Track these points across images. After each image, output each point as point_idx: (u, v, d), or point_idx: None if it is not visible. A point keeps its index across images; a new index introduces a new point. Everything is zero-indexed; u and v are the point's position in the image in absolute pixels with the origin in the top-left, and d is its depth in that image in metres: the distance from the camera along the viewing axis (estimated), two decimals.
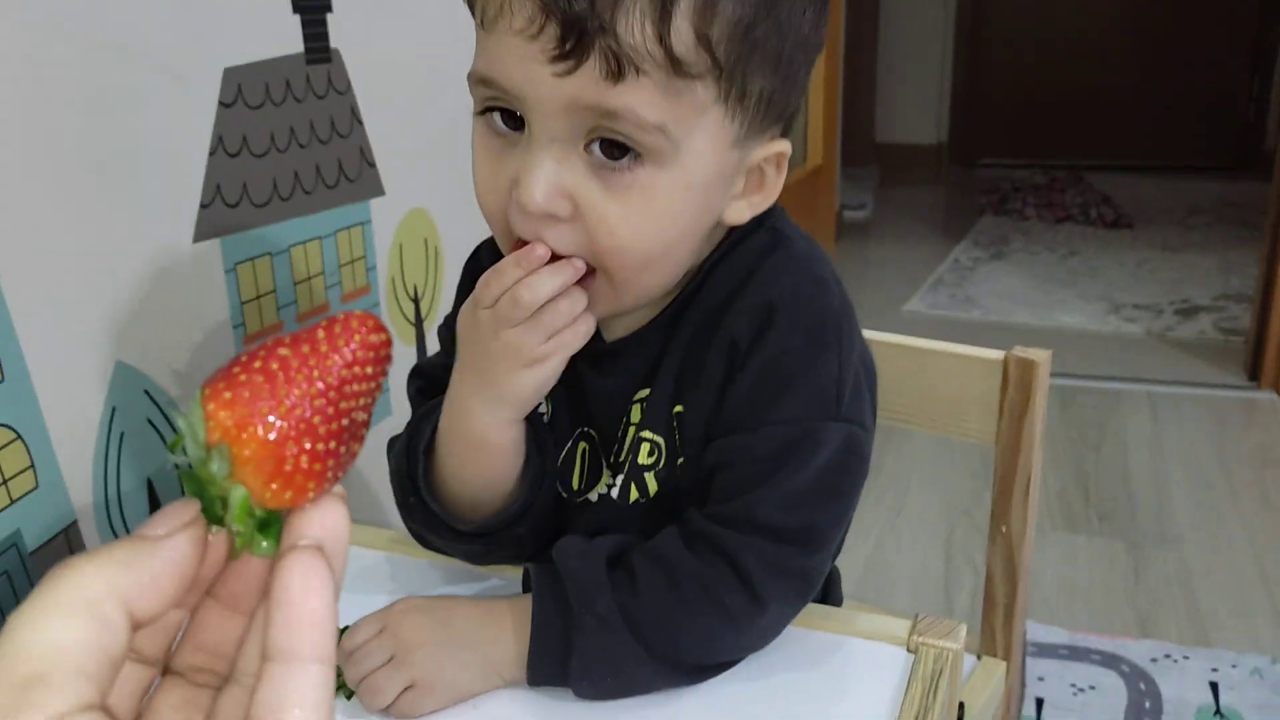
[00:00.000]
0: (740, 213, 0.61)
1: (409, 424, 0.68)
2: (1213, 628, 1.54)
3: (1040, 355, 0.84)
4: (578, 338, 0.58)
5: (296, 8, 0.97)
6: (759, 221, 0.63)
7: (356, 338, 0.31)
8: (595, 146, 0.54)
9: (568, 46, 0.50)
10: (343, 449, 0.31)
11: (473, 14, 0.56)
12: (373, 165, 1.11)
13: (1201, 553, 1.74)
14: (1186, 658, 1.45)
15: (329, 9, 1.01)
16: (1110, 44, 4.40)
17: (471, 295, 0.59)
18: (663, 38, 0.50)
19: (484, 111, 0.57)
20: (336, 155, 1.05)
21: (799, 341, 0.59)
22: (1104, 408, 2.30)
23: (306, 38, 1.00)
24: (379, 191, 1.13)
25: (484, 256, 0.71)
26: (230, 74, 0.90)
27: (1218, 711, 1.35)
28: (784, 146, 0.60)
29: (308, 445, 0.30)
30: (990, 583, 0.90)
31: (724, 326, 0.61)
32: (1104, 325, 2.77)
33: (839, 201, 3.65)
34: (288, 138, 0.98)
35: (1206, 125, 4.39)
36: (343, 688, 0.58)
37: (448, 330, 0.73)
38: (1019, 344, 0.85)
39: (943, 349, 0.86)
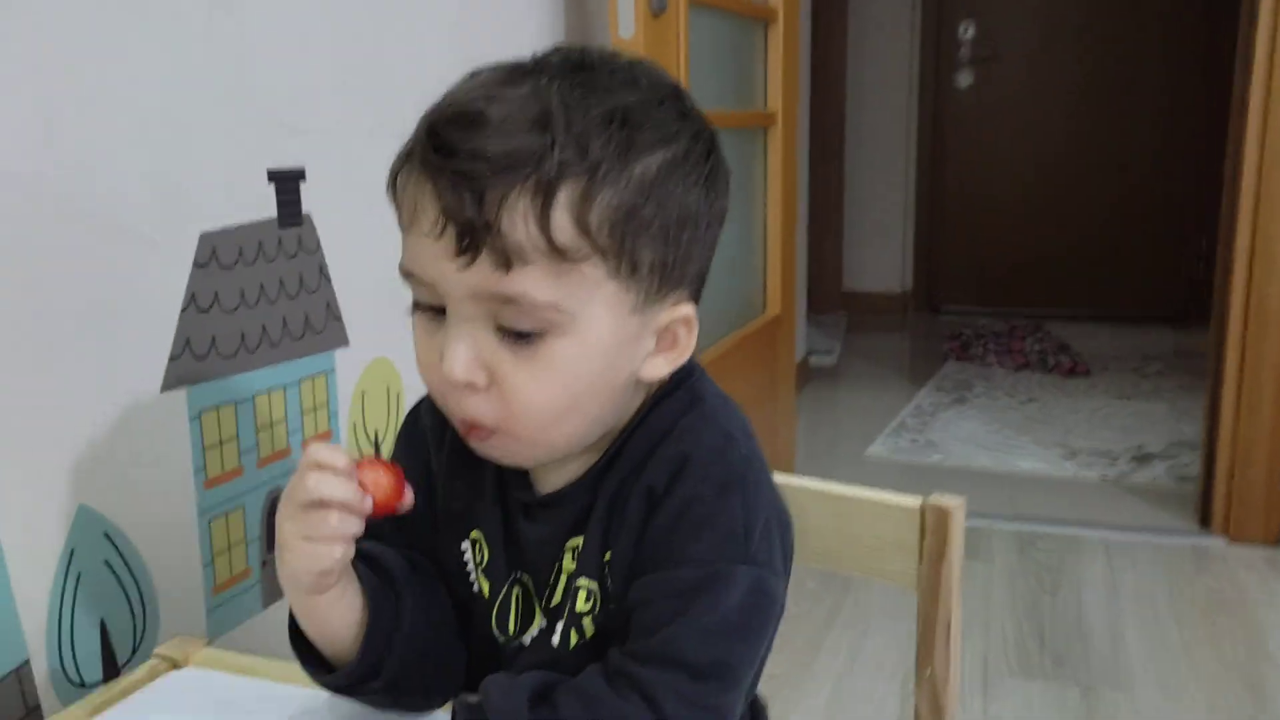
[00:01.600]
0: (657, 369, 0.67)
1: None
2: None
3: (954, 502, 0.89)
4: (334, 551, 0.62)
5: (272, 178, 1.06)
6: (678, 382, 0.69)
7: None
8: (504, 327, 0.61)
9: (464, 245, 0.58)
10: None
11: (398, 217, 0.64)
12: (338, 318, 1.18)
13: (1153, 699, 1.75)
14: None
15: (303, 178, 1.10)
16: (1063, 202, 4.63)
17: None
18: (545, 230, 0.58)
19: (415, 308, 0.65)
20: (304, 309, 1.12)
21: (708, 490, 0.64)
22: (1060, 552, 2.34)
23: (280, 204, 1.08)
24: (343, 342, 1.19)
25: (423, 414, 0.77)
26: (205, 238, 0.98)
27: None
28: (687, 311, 0.67)
29: None
30: None
31: (644, 476, 0.66)
32: (1061, 471, 2.83)
33: (806, 348, 3.76)
34: (257, 294, 1.05)
35: (1159, 278, 4.57)
36: None
37: None
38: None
39: (862, 495, 0.91)
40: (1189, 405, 3.32)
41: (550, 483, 0.71)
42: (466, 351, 0.61)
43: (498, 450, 0.65)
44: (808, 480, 0.93)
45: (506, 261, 0.58)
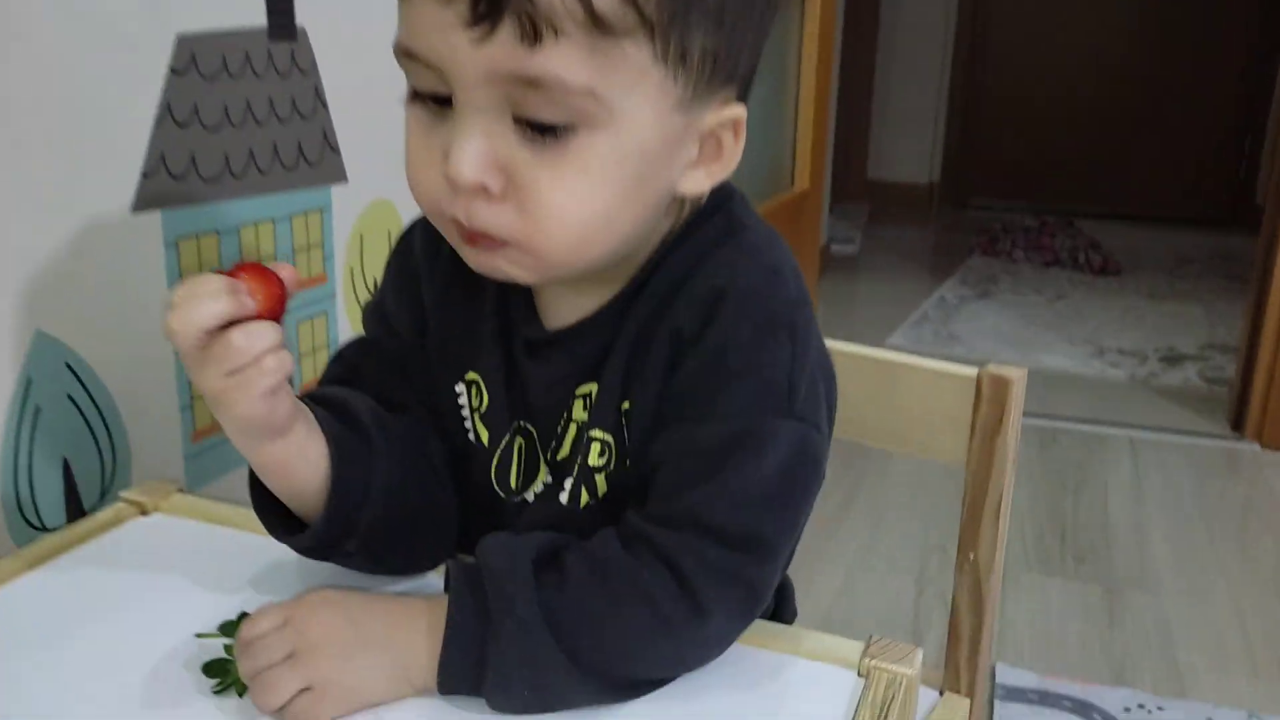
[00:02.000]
0: (698, 183, 0.57)
1: None
2: (1190, 679, 1.49)
3: (1015, 373, 0.79)
4: (269, 381, 0.53)
5: None
6: (716, 206, 0.59)
7: None
8: (524, 120, 0.50)
9: (481, 9, 0.47)
10: None
11: None
12: (336, 150, 1.07)
13: (1179, 601, 1.69)
14: (1161, 709, 1.40)
15: None
16: (1108, 94, 4.42)
17: None
18: None
19: (412, 99, 0.53)
20: (296, 136, 1.01)
21: (746, 332, 0.55)
22: (1084, 450, 2.27)
23: (271, 12, 0.96)
24: (341, 178, 1.08)
25: (417, 239, 0.67)
26: (184, 41, 0.86)
27: None
28: (739, 112, 0.56)
29: None
30: (956, 615, 0.85)
31: (670, 315, 0.57)
32: (1088, 369, 2.74)
33: (827, 235, 3.63)
34: (243, 112, 0.94)
35: (1199, 179, 4.40)
36: (235, 682, 0.53)
37: (370, 315, 0.69)
38: None
39: (914, 363, 0.82)
40: (1224, 309, 3.22)
41: (561, 317, 0.61)
42: (479, 147, 0.50)
43: (505, 264, 0.55)
44: (849, 344, 0.83)
45: (534, 32, 0.47)
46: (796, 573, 1.82)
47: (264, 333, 0.53)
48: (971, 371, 0.80)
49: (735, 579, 0.55)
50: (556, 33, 0.47)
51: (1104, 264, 3.68)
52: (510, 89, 0.49)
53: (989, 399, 0.79)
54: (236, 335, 0.52)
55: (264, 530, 0.62)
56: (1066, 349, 2.88)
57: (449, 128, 0.52)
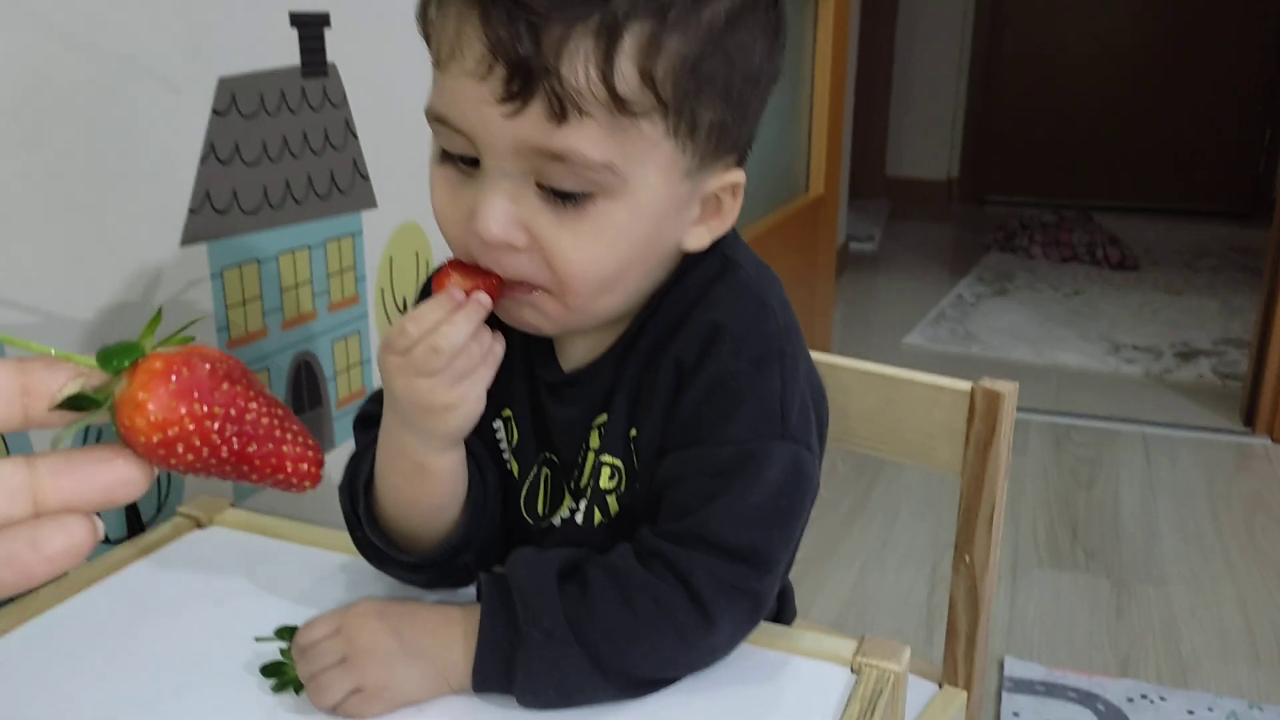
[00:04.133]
0: (699, 239, 0.62)
1: (350, 461, 0.69)
2: (1192, 670, 1.54)
3: (1006, 387, 0.84)
4: (490, 371, 0.59)
5: (295, 22, 1.00)
6: (710, 247, 0.64)
7: (300, 450, 0.36)
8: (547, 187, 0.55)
9: (514, 88, 0.52)
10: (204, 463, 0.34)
11: (430, 51, 0.57)
12: (365, 178, 1.13)
13: (1186, 594, 1.74)
14: (1163, 698, 1.45)
15: (327, 24, 1.04)
16: (1127, 88, 4.43)
17: (385, 339, 0.60)
18: (606, 78, 0.52)
19: (442, 160, 0.59)
20: (329, 166, 1.07)
21: (742, 364, 0.60)
22: (1098, 446, 2.30)
23: (303, 51, 1.02)
24: (371, 204, 1.14)
25: None
26: (225, 84, 0.93)
27: None
28: (738, 177, 0.61)
29: (194, 439, 0.33)
30: (953, 612, 0.90)
31: (672, 348, 0.62)
32: (1103, 365, 2.77)
33: (846, 233, 3.67)
34: (280, 147, 1.00)
35: (1218, 171, 4.40)
36: (293, 681, 0.59)
37: None
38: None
39: (911, 378, 0.87)
40: (1241, 304, 3.23)
41: (575, 358, 0.67)
42: (505, 208, 0.56)
43: (531, 315, 0.60)
44: (852, 360, 0.89)
45: (561, 111, 0.52)
46: (811, 572, 1.90)
47: (486, 335, 0.58)
48: (965, 385, 0.85)
49: (740, 590, 0.60)
50: (581, 112, 0.52)
51: (1121, 258, 3.70)
52: (535, 159, 0.54)
53: (982, 413, 0.85)
54: (474, 345, 0.57)
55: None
56: (1082, 345, 2.91)
57: (476, 187, 0.57)
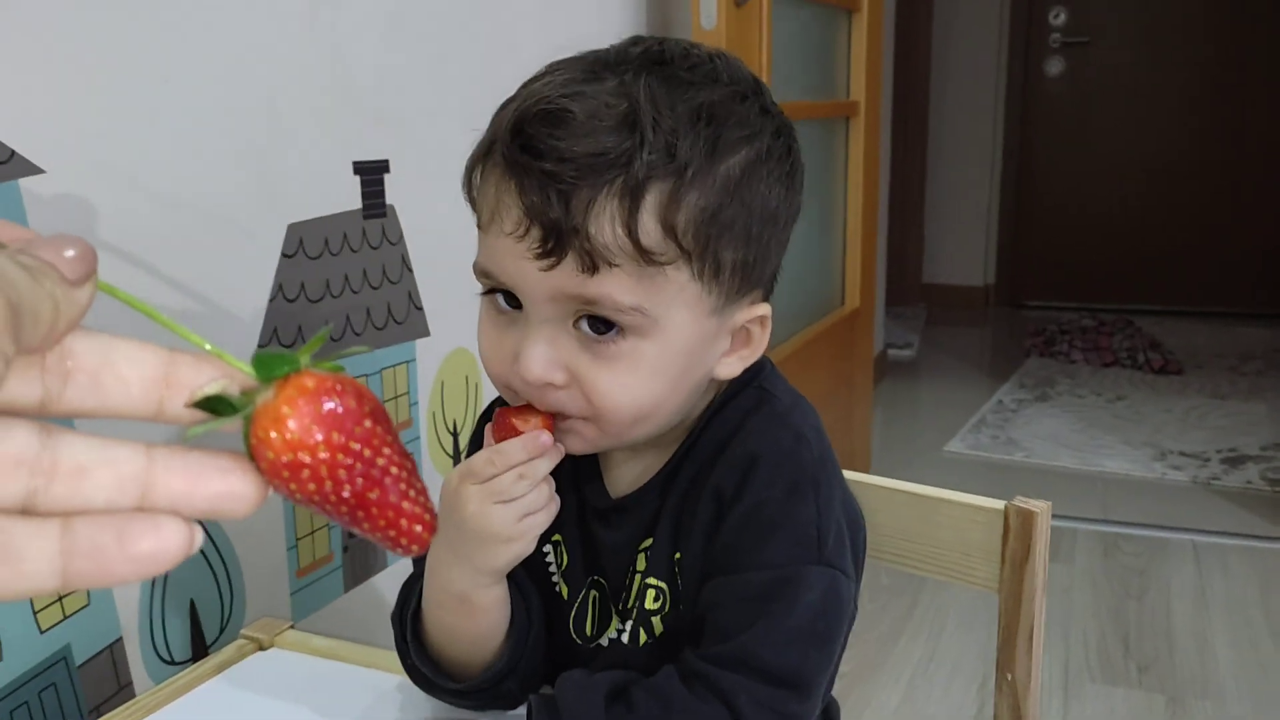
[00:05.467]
0: (731, 368, 0.67)
1: (401, 588, 0.73)
2: None
3: (1040, 506, 0.86)
4: (550, 516, 0.64)
5: (358, 170, 1.07)
6: (748, 380, 0.69)
7: (418, 510, 0.33)
8: (584, 323, 0.60)
9: (548, 246, 0.58)
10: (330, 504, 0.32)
11: (474, 214, 0.64)
12: (420, 309, 1.19)
13: (1243, 711, 1.69)
14: None
15: (387, 170, 1.11)
16: (1164, 191, 4.47)
17: (461, 468, 0.64)
18: (631, 233, 0.57)
19: (488, 292, 0.64)
20: (386, 300, 1.14)
21: (778, 492, 0.64)
22: (1147, 556, 2.27)
23: (365, 195, 1.10)
24: (424, 332, 1.21)
25: None
26: (293, 228, 1.00)
27: None
28: (764, 310, 0.66)
29: (324, 474, 0.31)
30: None
31: (712, 477, 0.66)
32: (1149, 472, 2.75)
33: (884, 341, 3.71)
34: (342, 284, 1.07)
35: (1261, 273, 4.40)
36: None
37: None
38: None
39: (946, 497, 0.89)
40: None
41: (624, 484, 0.71)
42: (546, 351, 0.61)
43: (570, 440, 0.65)
44: (888, 480, 0.91)
45: (592, 265, 0.58)
46: (856, 688, 1.88)
47: (552, 481, 0.64)
48: (999, 505, 0.87)
49: (781, 714, 0.62)
50: (610, 264, 0.58)
51: (1164, 363, 3.68)
52: (572, 305, 0.60)
53: (1016, 532, 0.86)
54: (545, 485, 0.63)
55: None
56: (1127, 452, 2.89)
57: (519, 331, 0.62)
